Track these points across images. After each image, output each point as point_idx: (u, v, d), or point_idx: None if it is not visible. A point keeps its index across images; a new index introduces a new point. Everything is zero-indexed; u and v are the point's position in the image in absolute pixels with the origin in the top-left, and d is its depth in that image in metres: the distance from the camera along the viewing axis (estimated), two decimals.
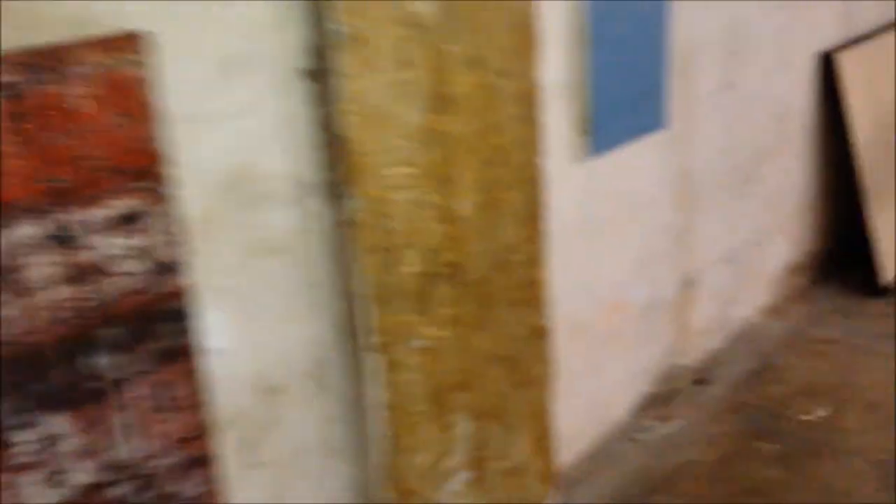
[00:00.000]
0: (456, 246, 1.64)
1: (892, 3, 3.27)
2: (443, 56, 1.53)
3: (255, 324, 1.42)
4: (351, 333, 1.56)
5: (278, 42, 1.34)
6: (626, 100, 2.07)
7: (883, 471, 2.14)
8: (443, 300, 1.64)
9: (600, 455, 2.29)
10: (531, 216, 1.80)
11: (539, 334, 1.89)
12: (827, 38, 2.93)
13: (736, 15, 2.46)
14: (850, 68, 2.91)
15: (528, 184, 1.78)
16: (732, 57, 2.48)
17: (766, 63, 2.65)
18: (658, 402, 2.47)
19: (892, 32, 3.16)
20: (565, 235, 2.04)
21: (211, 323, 1.34)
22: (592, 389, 2.26)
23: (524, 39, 1.68)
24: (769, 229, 2.88)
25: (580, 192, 2.05)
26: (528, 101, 1.72)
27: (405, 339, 1.59)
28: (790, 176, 2.92)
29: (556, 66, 1.88)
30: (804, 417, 2.36)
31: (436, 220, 1.59)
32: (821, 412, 2.37)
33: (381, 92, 1.43)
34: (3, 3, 1.03)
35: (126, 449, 1.23)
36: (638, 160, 2.20)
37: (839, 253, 3.21)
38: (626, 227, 2.24)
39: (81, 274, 1.14)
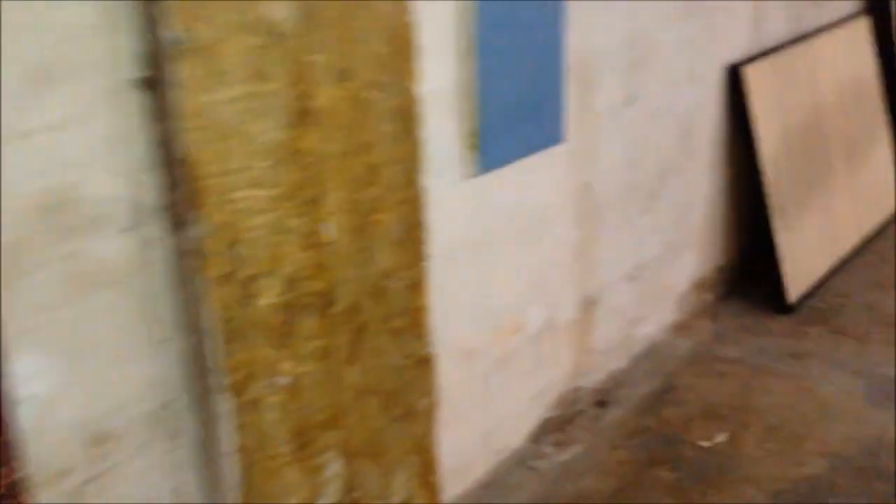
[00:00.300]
0: (322, 273, 1.53)
1: (803, 14, 3.29)
2: (304, 67, 1.42)
3: (83, 366, 1.28)
4: (201, 372, 1.44)
5: (106, 49, 1.21)
6: (518, 113, 1.99)
7: (779, 500, 2.12)
8: (308, 333, 1.53)
9: (494, 485, 2.22)
10: (410, 239, 1.71)
11: (421, 364, 1.80)
12: (735, 49, 2.92)
13: (639, 25, 2.41)
14: (758, 81, 2.91)
15: (407, 204, 1.68)
16: (635, 68, 2.43)
17: (671, 75, 2.61)
18: (557, 427, 2.41)
19: (802, 44, 3.18)
20: (454, 256, 1.95)
21: (26, 367, 1.21)
22: (486, 417, 2.18)
23: (399, 48, 1.58)
24: (675, 245, 2.85)
25: (469, 210, 1.97)
26: (405, 116, 1.62)
27: (264, 377, 1.48)
28: (697, 190, 2.90)
29: (439, 77, 1.79)
30: (703, 443, 2.33)
31: (298, 247, 1.48)
32: (720, 437, 2.35)
33: (229, 107, 1.31)
34: None
35: None
36: (533, 176, 2.13)
37: (747, 268, 3.21)
38: (521, 246, 2.16)
39: None
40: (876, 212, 3.56)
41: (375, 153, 1.58)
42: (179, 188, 1.31)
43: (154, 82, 1.26)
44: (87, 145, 1.22)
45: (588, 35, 2.20)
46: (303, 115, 1.43)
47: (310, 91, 1.43)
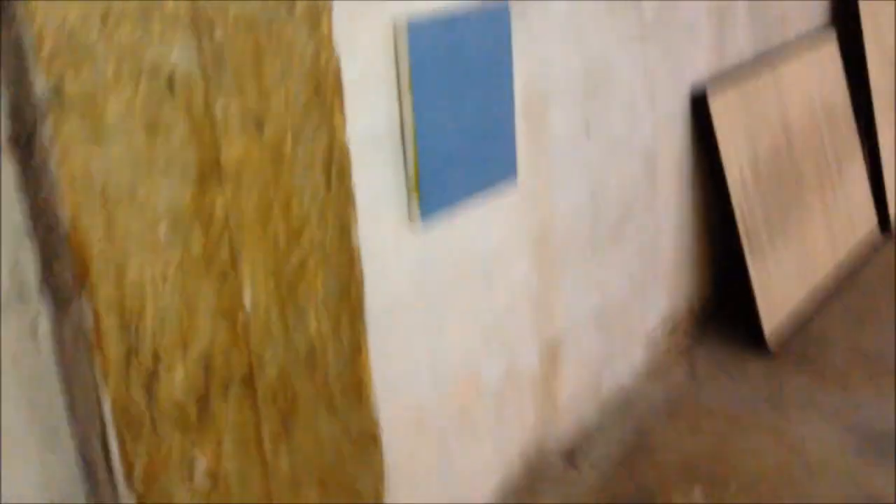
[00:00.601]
0: (241, 348, 1.38)
1: (769, 33, 3.22)
2: (209, 117, 1.27)
3: None
4: (100, 468, 1.27)
5: None
6: (464, 152, 1.86)
7: None
8: (227, 417, 1.38)
9: None
10: (345, 300, 1.56)
11: (365, 440, 1.65)
12: (698, 74, 2.83)
13: (594, 52, 2.30)
14: (723, 106, 2.82)
15: (338, 262, 1.53)
16: (592, 98, 2.32)
17: (631, 104, 2.51)
18: (521, 491, 2.26)
19: (768, 65, 3.10)
20: (398, 312, 1.81)
21: None
22: (445, 485, 2.03)
23: (322, 90, 1.44)
24: (643, 283, 2.73)
25: (414, 260, 1.83)
26: (331, 165, 1.48)
27: (175, 471, 1.32)
28: (664, 224, 2.79)
29: (373, 117, 1.65)
30: None
31: (210, 320, 1.33)
32: (697, 497, 2.21)
33: (117, 166, 1.16)
34: None
35: None
36: (484, 218, 2.00)
37: (721, 304, 3.10)
38: (474, 295, 2.03)
39: None
40: (852, 237, 3.48)
41: (298, 209, 1.44)
42: (63, 261, 1.16)
43: (26, 141, 1.11)
44: None
45: (538, 64, 2.09)
46: (209, 172, 1.29)
47: (217, 144, 1.29)
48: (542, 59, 2.10)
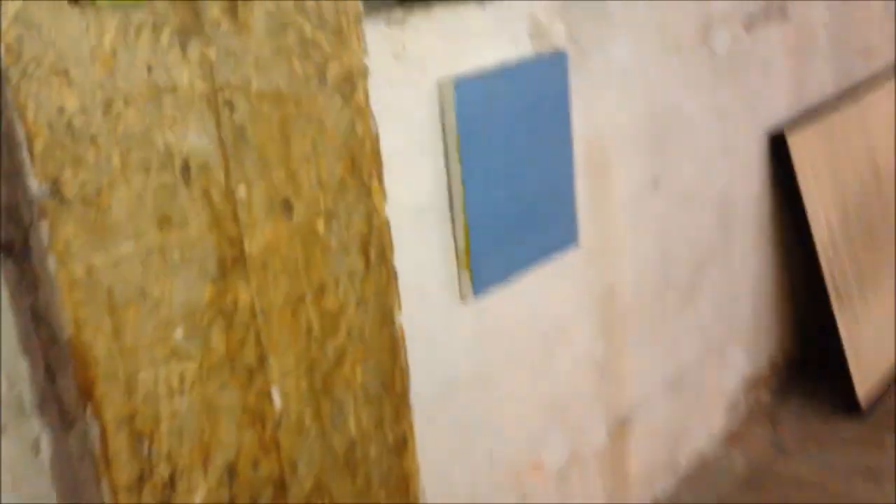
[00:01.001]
0: (271, 454, 1.26)
1: (852, 67, 3.01)
2: (230, 203, 1.16)
3: None
4: None
5: None
6: (519, 218, 1.72)
7: None
8: None
9: None
10: (388, 391, 1.43)
11: None
12: (777, 115, 2.64)
13: (661, 97, 2.15)
14: (804, 149, 2.62)
15: (380, 350, 1.41)
16: (659, 149, 2.16)
17: (703, 151, 2.34)
18: None
19: (853, 102, 2.89)
20: (449, 395, 1.67)
21: None
22: None
23: (358, 164, 1.32)
24: (720, 343, 2.54)
25: (466, 337, 1.69)
26: (370, 244, 1.36)
27: None
28: (742, 279, 2.60)
29: (417, 187, 1.53)
30: None
31: (235, 426, 1.21)
32: None
33: (125, 266, 1.06)
34: None
35: None
36: (542, 287, 1.85)
37: (806, 363, 2.88)
38: (534, 370, 1.88)
39: None
40: None
41: (334, 295, 1.32)
42: (66, 374, 1.05)
43: (23, 244, 1.01)
44: None
45: (600, 116, 1.95)
46: (232, 263, 1.17)
47: (240, 232, 1.18)
48: (603, 109, 1.96)
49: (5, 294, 1.02)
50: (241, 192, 1.17)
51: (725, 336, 2.56)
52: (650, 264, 2.20)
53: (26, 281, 1.02)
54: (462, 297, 1.66)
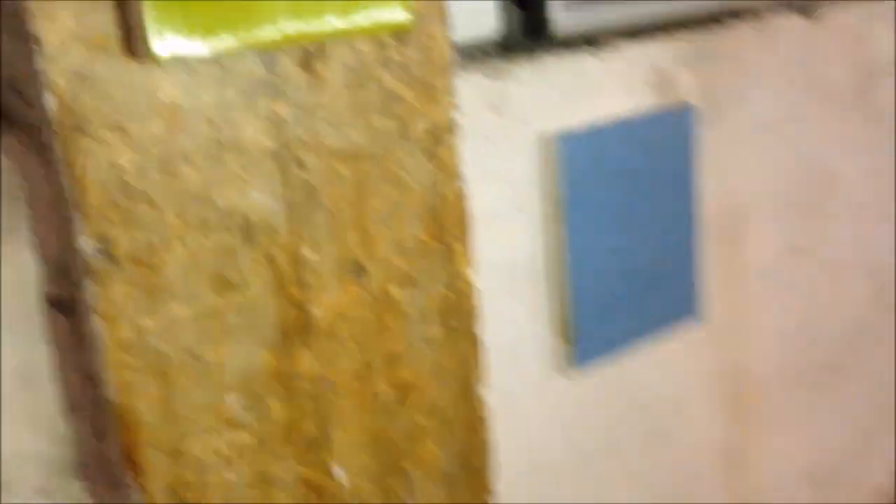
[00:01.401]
0: None
1: None
2: (295, 265, 1.12)
3: None
4: None
5: (12, 264, 0.97)
6: (629, 285, 1.60)
7: None
8: None
9: None
10: (466, 470, 1.34)
11: None
12: None
13: (809, 156, 1.97)
14: None
15: (458, 426, 1.32)
16: (806, 211, 1.98)
17: (856, 216, 2.13)
18: None
19: None
20: (540, 476, 1.56)
21: None
22: None
23: (442, 225, 1.26)
24: (870, 430, 2.30)
25: (563, 413, 1.58)
26: (450, 311, 1.28)
27: None
28: None
29: (510, 249, 1.45)
30: None
31: (291, 502, 1.15)
32: None
33: (178, 329, 1.03)
34: None
35: None
36: (656, 362, 1.71)
37: None
38: (644, 454, 1.74)
39: None
40: None
41: (407, 365, 1.25)
42: (110, 440, 1.03)
43: (71, 304, 1.00)
44: None
45: (734, 176, 1.80)
46: (294, 329, 1.13)
47: (305, 296, 1.13)
48: (739, 168, 1.81)
49: (54, 349, 1.01)
50: (308, 254, 1.13)
51: (878, 422, 2.32)
52: (789, 340, 2.01)
53: (75, 338, 1.01)
54: (560, 368, 1.55)
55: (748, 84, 1.81)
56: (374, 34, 1.13)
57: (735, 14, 1.77)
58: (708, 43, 1.71)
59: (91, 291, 0.97)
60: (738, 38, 1.77)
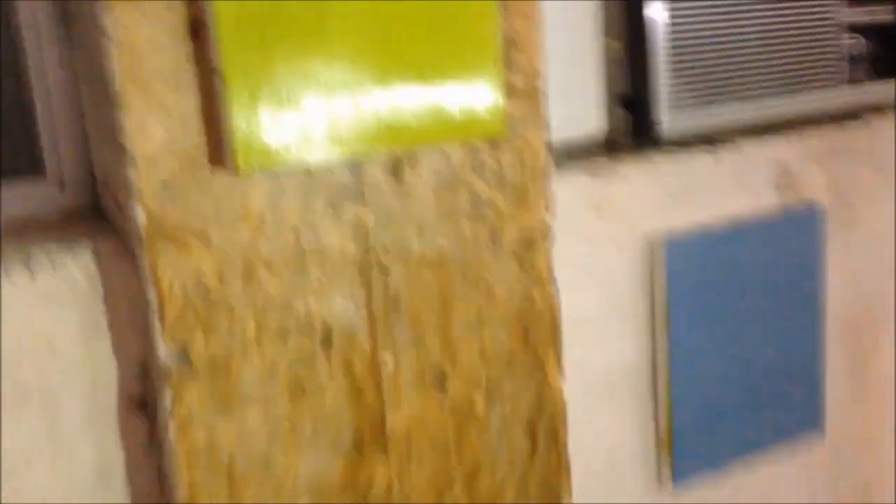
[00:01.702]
0: None
1: None
2: (374, 374, 1.11)
3: None
4: None
5: (89, 365, 1.01)
6: (739, 398, 1.52)
7: None
8: None
9: None
10: None
11: None
12: None
13: None
14: None
15: None
16: None
17: None
18: None
19: None
20: None
21: None
22: None
23: (531, 335, 1.23)
24: None
25: None
26: (537, 424, 1.25)
27: None
28: None
29: (607, 357, 1.40)
30: None
31: None
32: None
33: (250, 436, 1.04)
34: None
35: None
36: (769, 482, 1.61)
37: None
38: None
39: None
40: None
41: (490, 480, 1.22)
42: None
43: (148, 406, 1.03)
44: (71, 478, 1.00)
45: (867, 278, 1.69)
46: (370, 438, 1.12)
47: (382, 405, 1.12)
48: (872, 272, 1.70)
49: (129, 450, 1.04)
50: (388, 361, 1.12)
51: None
52: None
53: (151, 439, 1.04)
54: (660, 483, 1.48)
55: (884, 182, 1.70)
56: (467, 141, 1.13)
57: (870, 108, 1.68)
58: (840, 138, 1.62)
59: (167, 395, 0.99)
60: (874, 133, 1.67)
